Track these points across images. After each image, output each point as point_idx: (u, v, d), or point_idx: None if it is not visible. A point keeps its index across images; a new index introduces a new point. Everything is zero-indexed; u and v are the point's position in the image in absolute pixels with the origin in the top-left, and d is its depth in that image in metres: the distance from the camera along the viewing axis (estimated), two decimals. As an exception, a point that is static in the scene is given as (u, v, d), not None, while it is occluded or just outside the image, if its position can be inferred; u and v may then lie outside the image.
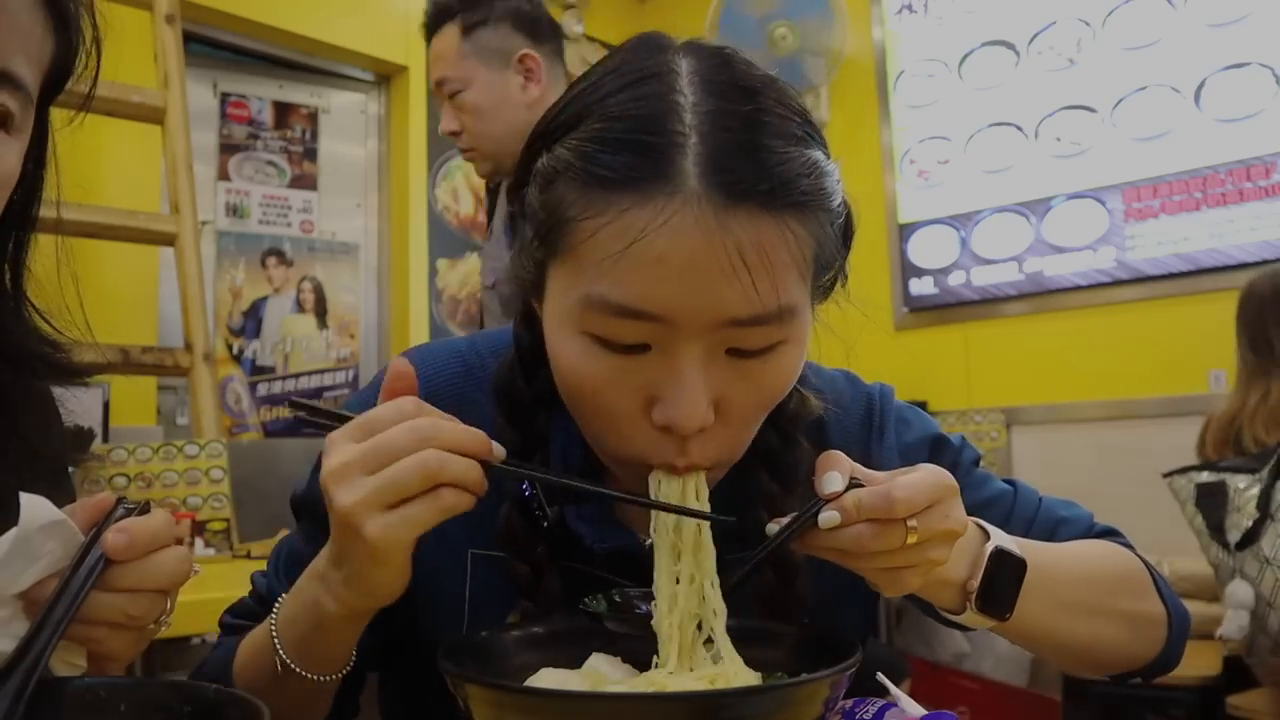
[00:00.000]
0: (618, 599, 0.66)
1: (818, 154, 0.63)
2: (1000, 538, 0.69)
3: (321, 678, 0.68)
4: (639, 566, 0.75)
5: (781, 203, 0.59)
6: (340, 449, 0.57)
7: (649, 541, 0.65)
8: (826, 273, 0.67)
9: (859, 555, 0.60)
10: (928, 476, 0.61)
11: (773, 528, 0.62)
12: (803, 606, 0.73)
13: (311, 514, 0.80)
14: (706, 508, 0.65)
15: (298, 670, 0.67)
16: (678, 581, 0.63)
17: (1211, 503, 2.20)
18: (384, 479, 0.55)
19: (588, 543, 0.73)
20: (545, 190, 0.63)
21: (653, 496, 0.65)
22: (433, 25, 1.95)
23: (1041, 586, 0.69)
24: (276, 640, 0.67)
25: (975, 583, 0.67)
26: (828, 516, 0.59)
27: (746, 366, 0.63)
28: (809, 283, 0.64)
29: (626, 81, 0.62)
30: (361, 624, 0.66)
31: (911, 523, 0.59)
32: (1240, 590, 2.11)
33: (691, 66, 0.63)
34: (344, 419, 0.59)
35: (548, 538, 0.73)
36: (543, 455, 0.75)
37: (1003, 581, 0.67)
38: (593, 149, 0.60)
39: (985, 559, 0.67)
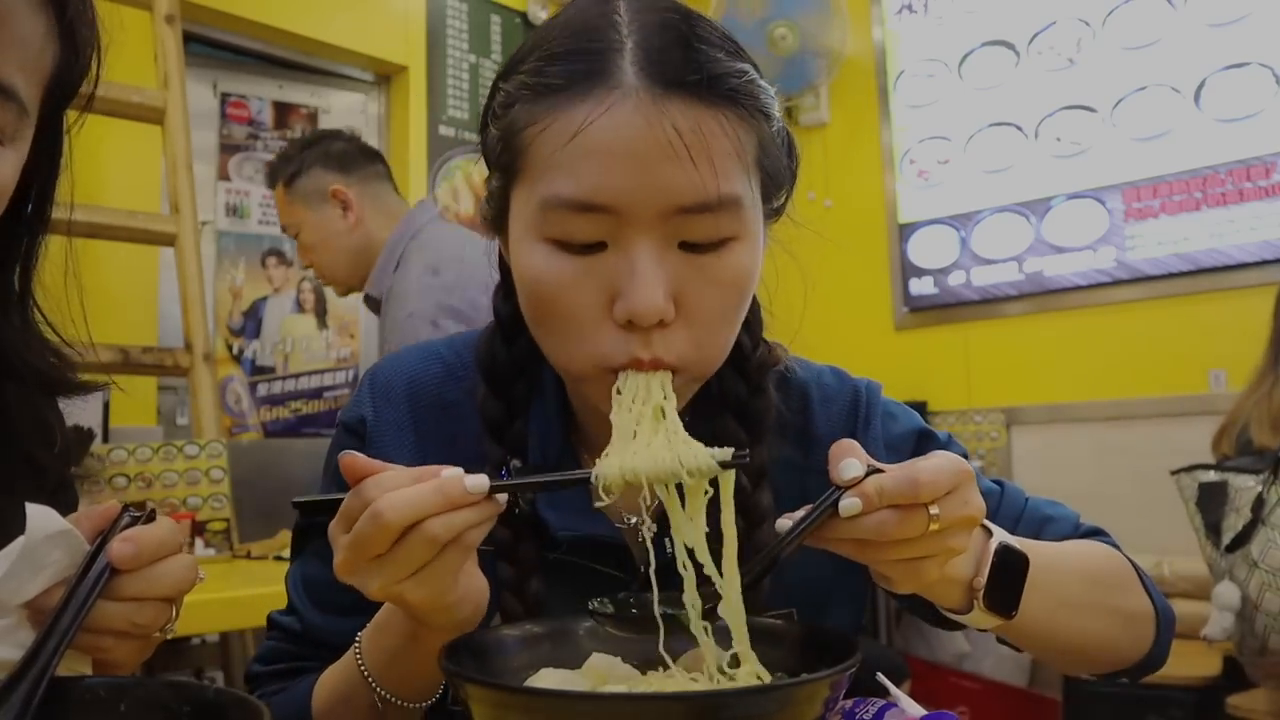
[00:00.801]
0: (627, 600, 0.64)
1: (749, 67, 0.68)
2: (1002, 534, 0.68)
3: (421, 704, 0.70)
4: (614, 554, 0.75)
5: (713, 94, 0.64)
6: (338, 543, 0.59)
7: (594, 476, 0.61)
8: (775, 189, 0.71)
9: (879, 545, 0.58)
10: (946, 463, 0.59)
11: (785, 523, 0.59)
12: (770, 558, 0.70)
13: (320, 532, 0.81)
14: (674, 399, 0.65)
15: (398, 702, 0.69)
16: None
17: (1211, 503, 2.19)
18: (398, 560, 0.56)
19: (552, 530, 0.74)
20: (501, 118, 0.69)
21: (615, 395, 0.65)
22: (269, 185, 2.30)
23: (1041, 583, 0.69)
24: (371, 680, 0.69)
25: (981, 580, 0.65)
26: (849, 503, 0.56)
27: (701, 261, 0.66)
28: (754, 183, 0.68)
29: (569, 15, 0.69)
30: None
31: (933, 509, 0.57)
32: (1226, 592, 2.10)
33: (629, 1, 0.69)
34: (336, 504, 0.59)
35: (518, 524, 0.74)
36: (520, 427, 0.77)
37: (1008, 578, 0.66)
38: (540, 65, 0.66)
39: (990, 555, 0.65)
